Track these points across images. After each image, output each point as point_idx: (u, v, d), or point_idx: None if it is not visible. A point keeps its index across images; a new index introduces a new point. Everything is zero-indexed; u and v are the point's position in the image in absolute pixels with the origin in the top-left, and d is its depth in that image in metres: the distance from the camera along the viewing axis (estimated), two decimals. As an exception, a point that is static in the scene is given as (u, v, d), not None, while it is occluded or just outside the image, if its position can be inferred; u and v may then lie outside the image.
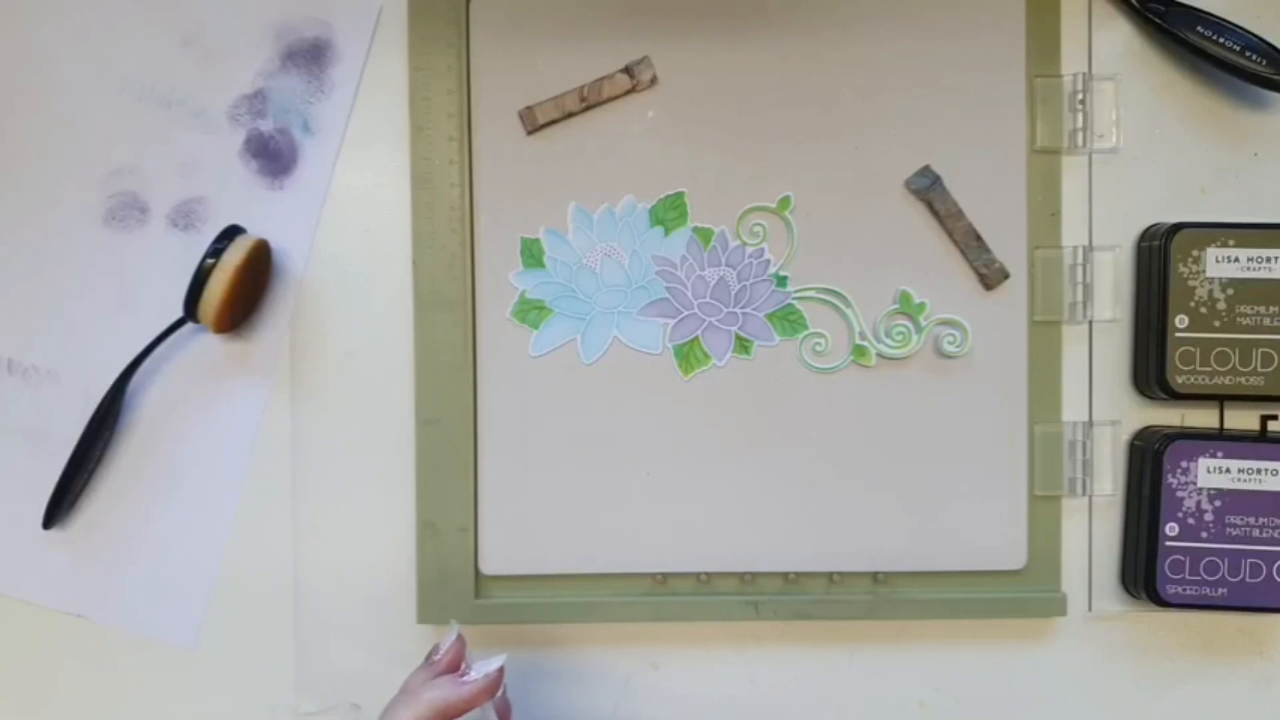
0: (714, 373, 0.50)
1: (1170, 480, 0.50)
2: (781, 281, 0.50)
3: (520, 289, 0.51)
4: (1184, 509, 0.50)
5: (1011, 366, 0.51)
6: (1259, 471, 0.50)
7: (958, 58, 0.51)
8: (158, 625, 0.52)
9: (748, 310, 0.50)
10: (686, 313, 0.50)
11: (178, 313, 0.50)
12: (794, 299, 0.50)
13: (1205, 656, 0.53)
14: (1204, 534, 0.50)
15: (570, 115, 0.51)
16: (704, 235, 0.50)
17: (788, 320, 0.50)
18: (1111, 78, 0.52)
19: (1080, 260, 0.52)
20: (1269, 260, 0.50)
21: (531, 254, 0.51)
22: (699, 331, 0.50)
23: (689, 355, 0.50)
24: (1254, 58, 0.50)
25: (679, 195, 0.50)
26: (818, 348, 0.50)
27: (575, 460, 0.51)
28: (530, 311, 0.51)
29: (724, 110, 0.51)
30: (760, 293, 0.50)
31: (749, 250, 0.50)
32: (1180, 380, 0.50)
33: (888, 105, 0.51)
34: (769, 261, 0.50)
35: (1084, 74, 0.52)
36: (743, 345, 0.50)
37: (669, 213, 0.50)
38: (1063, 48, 0.52)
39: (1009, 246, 0.51)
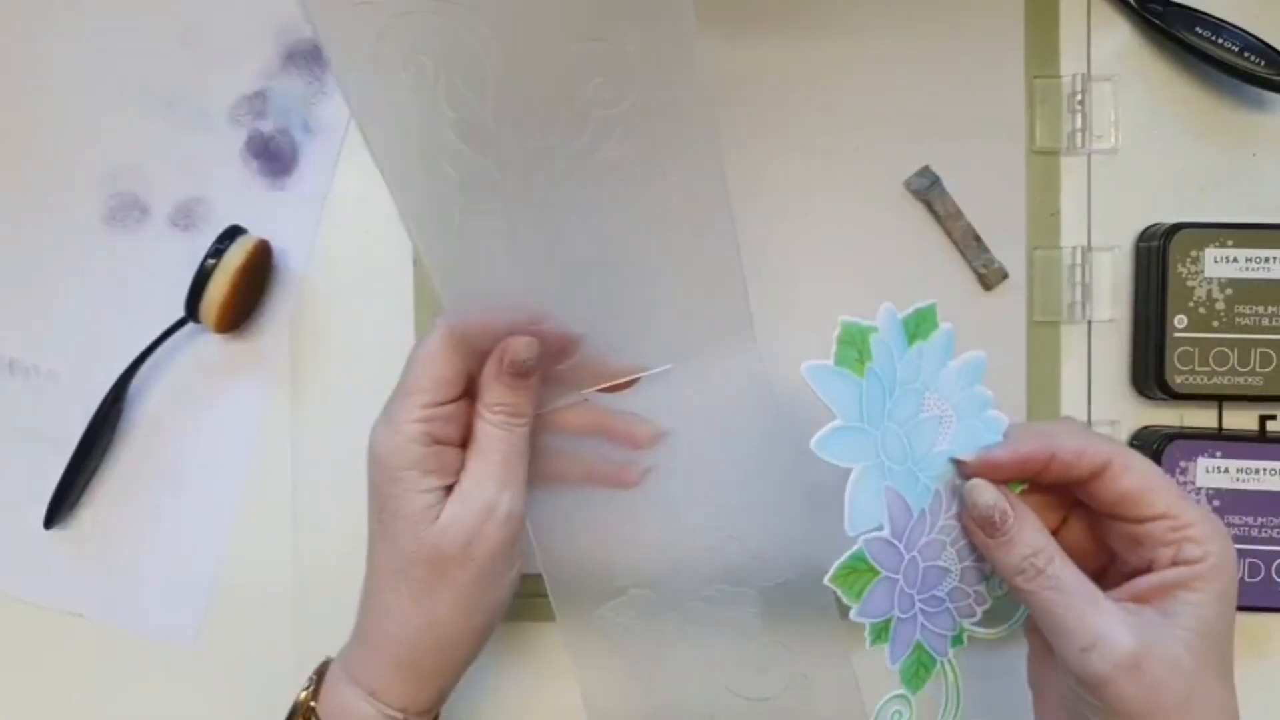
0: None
1: (1167, 470, 0.50)
2: None
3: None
4: (1183, 509, 0.50)
5: (1010, 367, 0.52)
6: (1258, 471, 0.50)
7: (957, 58, 0.51)
8: (158, 625, 0.53)
9: None
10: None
11: (179, 313, 0.50)
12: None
13: (1204, 656, 0.53)
14: (1203, 534, 0.50)
15: (570, 116, 0.51)
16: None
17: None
18: (1110, 78, 0.52)
19: (1079, 260, 0.52)
20: (1268, 260, 0.50)
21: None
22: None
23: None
24: (1253, 58, 0.50)
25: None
26: None
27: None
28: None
29: (723, 111, 0.51)
30: None
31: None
32: (1179, 380, 0.50)
33: (887, 105, 0.51)
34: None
35: (1083, 75, 0.52)
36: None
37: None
38: (1061, 48, 0.52)
39: (1008, 247, 0.51)
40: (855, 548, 0.38)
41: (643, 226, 0.42)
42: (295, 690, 0.45)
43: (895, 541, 0.39)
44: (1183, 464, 0.50)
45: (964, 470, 0.40)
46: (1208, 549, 0.36)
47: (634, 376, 0.44)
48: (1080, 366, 0.52)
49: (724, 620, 0.46)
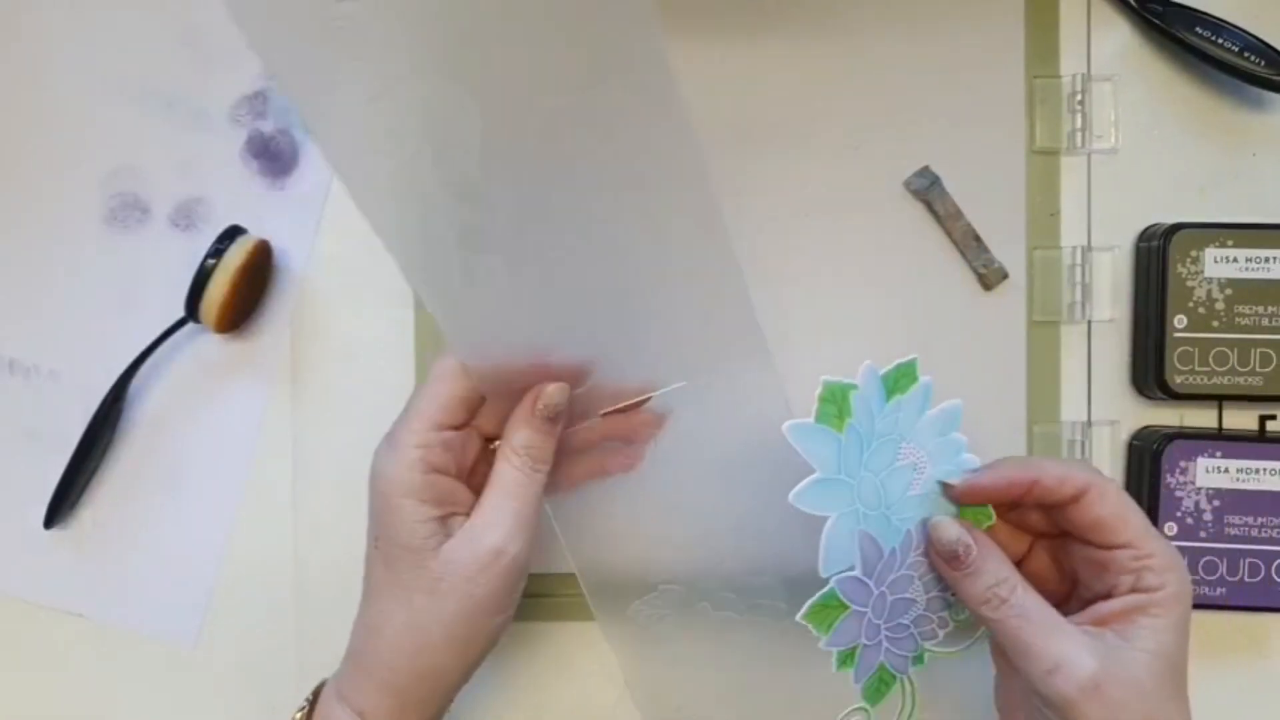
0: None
1: (1169, 480, 0.50)
2: None
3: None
4: (1183, 509, 0.50)
5: (1010, 367, 0.52)
6: (1258, 471, 0.50)
7: (957, 58, 0.51)
8: (158, 625, 0.52)
9: None
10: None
11: (179, 313, 0.50)
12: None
13: (1204, 656, 0.53)
14: (1203, 534, 0.50)
15: (570, 116, 0.51)
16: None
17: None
18: (1110, 78, 0.52)
19: (1079, 260, 0.52)
20: (1267, 260, 0.50)
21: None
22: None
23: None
24: (1252, 58, 0.50)
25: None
26: None
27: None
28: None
29: (723, 111, 0.51)
30: None
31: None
32: (1179, 380, 0.50)
33: (887, 106, 0.51)
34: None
35: (1083, 75, 0.52)
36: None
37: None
38: (1061, 48, 0.52)
39: (1008, 247, 0.51)
40: (827, 587, 0.41)
41: (641, 257, 0.43)
42: (295, 691, 0.45)
43: (865, 580, 0.42)
44: (1183, 464, 0.50)
45: (950, 494, 0.42)
46: (1165, 578, 0.38)
47: (646, 396, 0.45)
48: (1080, 366, 0.52)
49: (752, 606, 0.47)
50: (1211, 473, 0.50)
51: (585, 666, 0.52)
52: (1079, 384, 0.52)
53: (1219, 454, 0.50)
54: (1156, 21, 0.51)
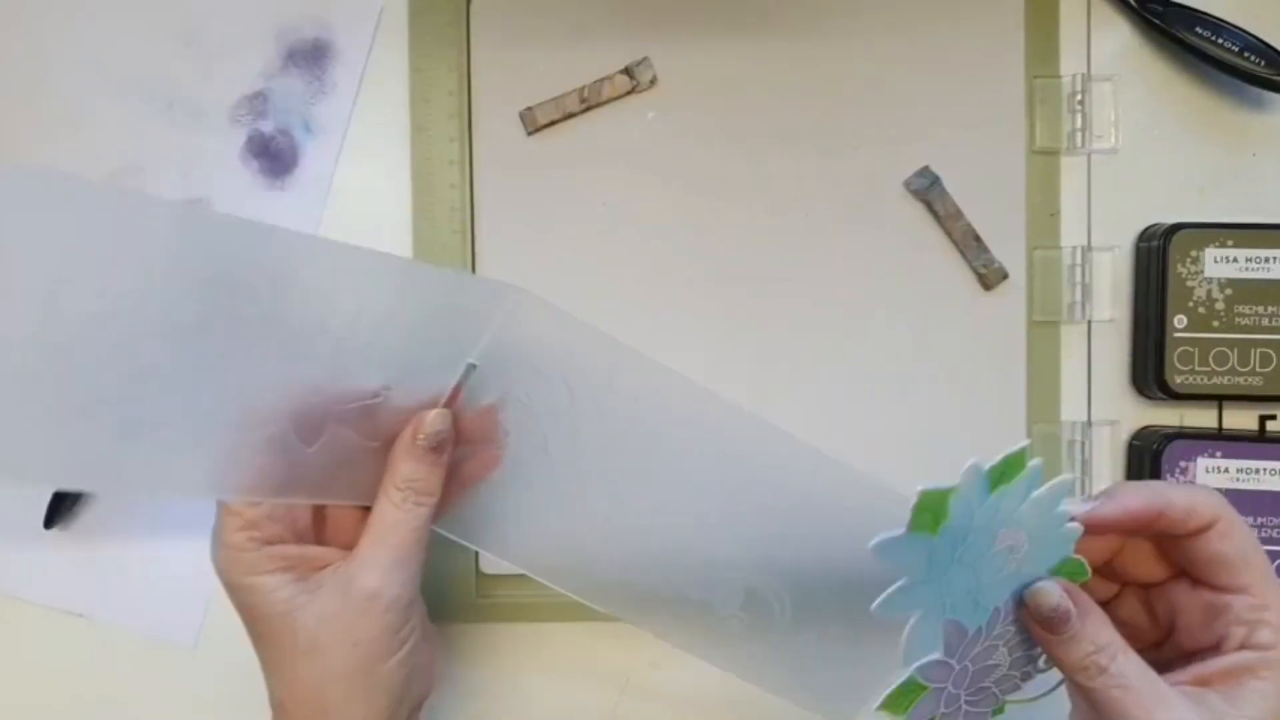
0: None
1: (1169, 480, 0.50)
2: None
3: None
4: (1183, 509, 0.50)
5: (1010, 367, 0.52)
6: (1258, 471, 0.50)
7: (957, 58, 0.51)
8: (158, 625, 0.52)
9: None
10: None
11: (178, 313, 0.50)
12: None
13: (1204, 656, 0.53)
14: (1203, 534, 0.50)
15: (570, 116, 0.51)
16: None
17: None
18: (1110, 78, 0.52)
19: (1079, 260, 0.52)
20: (1267, 260, 0.50)
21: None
22: None
23: None
24: (1252, 58, 0.50)
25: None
26: None
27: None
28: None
29: (724, 111, 0.51)
30: None
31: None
32: (1179, 380, 0.50)
33: (887, 106, 0.51)
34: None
35: (1082, 74, 0.52)
36: None
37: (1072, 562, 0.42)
38: (1061, 48, 0.52)
39: (1008, 247, 0.51)
40: (907, 674, 0.37)
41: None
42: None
43: (949, 660, 0.37)
44: (1183, 464, 0.50)
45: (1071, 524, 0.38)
46: (1278, 635, 0.34)
47: (454, 392, 0.42)
48: (1080, 366, 0.52)
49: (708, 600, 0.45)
50: (1211, 473, 0.50)
51: (585, 666, 0.52)
52: (1079, 384, 0.52)
53: (1219, 454, 0.50)
54: (1156, 21, 0.51)
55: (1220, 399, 0.50)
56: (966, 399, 0.51)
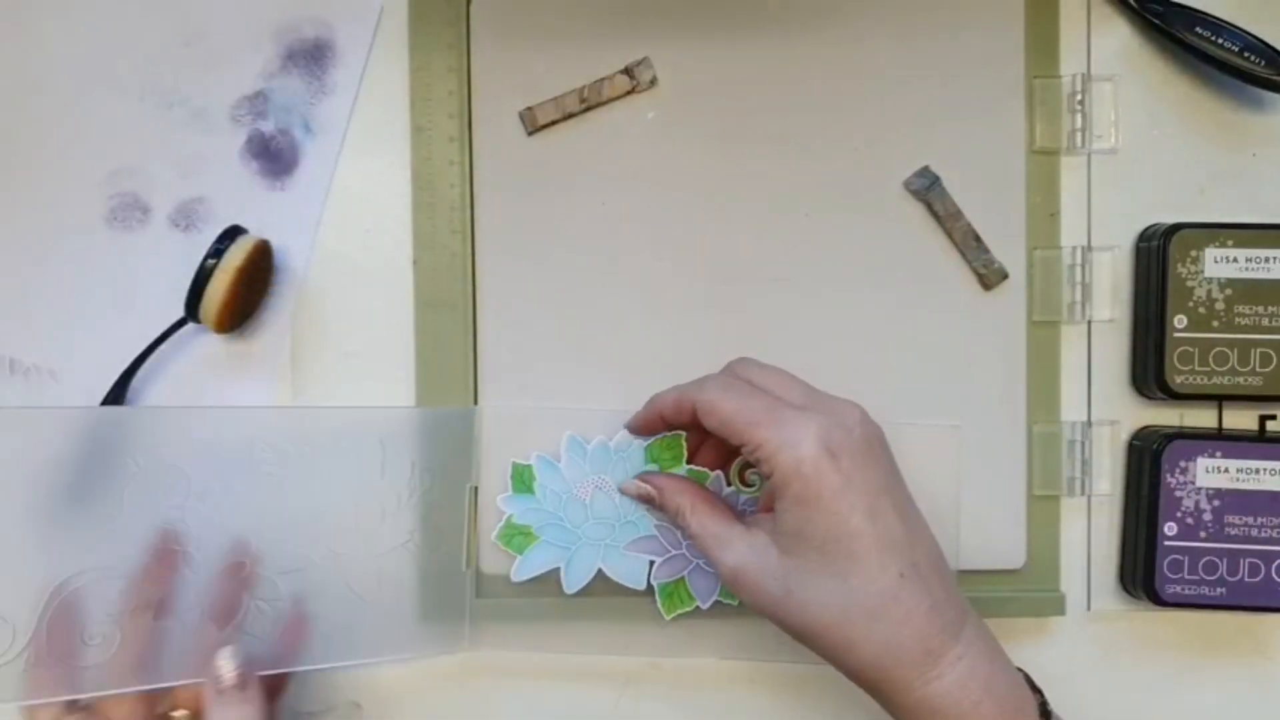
0: (696, 615, 0.50)
1: (1169, 480, 0.50)
2: None
3: (508, 513, 0.50)
4: (1183, 509, 0.50)
5: (1010, 366, 0.52)
6: (1258, 471, 0.50)
7: (957, 59, 0.51)
8: (158, 625, 0.52)
9: None
10: (674, 552, 0.50)
11: (179, 313, 0.50)
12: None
13: (1204, 656, 0.53)
14: (1203, 534, 0.50)
15: (570, 116, 0.51)
16: (698, 477, 0.49)
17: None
18: (1110, 78, 0.52)
19: (1079, 260, 0.52)
20: (1267, 260, 0.50)
21: (522, 480, 0.50)
22: (684, 572, 0.50)
23: (672, 595, 0.50)
24: (1253, 58, 0.50)
25: (677, 438, 0.49)
26: None
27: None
28: (515, 537, 0.50)
29: (724, 111, 0.52)
30: None
31: (743, 499, 0.50)
32: (1179, 380, 0.50)
33: (887, 106, 0.51)
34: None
35: (1082, 74, 0.52)
36: (727, 591, 0.50)
37: (664, 453, 0.50)
38: (1061, 48, 0.52)
39: (1008, 247, 0.51)
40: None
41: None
42: (295, 689, 0.45)
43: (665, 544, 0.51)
44: (1183, 464, 0.50)
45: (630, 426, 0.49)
46: (773, 464, 0.41)
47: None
48: (1080, 366, 0.52)
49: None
50: (1211, 473, 0.50)
51: (585, 666, 0.52)
52: (1079, 384, 0.52)
53: (1219, 454, 0.50)
54: (1156, 21, 0.51)
55: (1220, 399, 0.51)
56: (966, 399, 0.51)
